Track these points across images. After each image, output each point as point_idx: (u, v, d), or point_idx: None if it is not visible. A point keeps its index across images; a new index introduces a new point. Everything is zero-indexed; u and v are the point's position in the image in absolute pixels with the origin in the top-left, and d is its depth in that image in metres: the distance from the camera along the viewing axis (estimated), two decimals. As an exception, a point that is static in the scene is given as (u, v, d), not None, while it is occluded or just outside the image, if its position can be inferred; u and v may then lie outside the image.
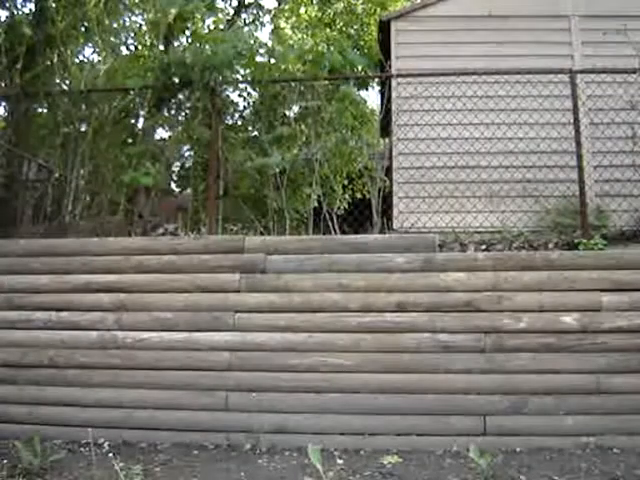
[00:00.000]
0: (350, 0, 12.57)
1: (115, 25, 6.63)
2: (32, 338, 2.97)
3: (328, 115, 5.75)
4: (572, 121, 5.35)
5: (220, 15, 9.90)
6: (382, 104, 6.58)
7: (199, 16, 6.75)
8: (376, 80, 7.87)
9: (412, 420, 2.71)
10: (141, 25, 7.40)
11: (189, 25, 6.95)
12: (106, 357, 2.91)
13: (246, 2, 12.00)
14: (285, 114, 6.37)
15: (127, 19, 7.25)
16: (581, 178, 5.29)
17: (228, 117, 6.61)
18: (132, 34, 7.49)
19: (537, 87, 5.97)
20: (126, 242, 3.37)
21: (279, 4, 12.79)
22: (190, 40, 6.61)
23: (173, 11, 6.16)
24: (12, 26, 5.65)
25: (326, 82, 5.78)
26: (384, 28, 6.89)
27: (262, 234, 5.41)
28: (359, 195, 6.39)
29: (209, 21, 8.20)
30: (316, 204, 5.72)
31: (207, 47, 5.53)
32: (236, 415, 2.79)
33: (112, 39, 6.58)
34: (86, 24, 6.15)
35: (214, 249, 3.07)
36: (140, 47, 7.57)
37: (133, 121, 6.63)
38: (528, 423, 2.65)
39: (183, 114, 6.53)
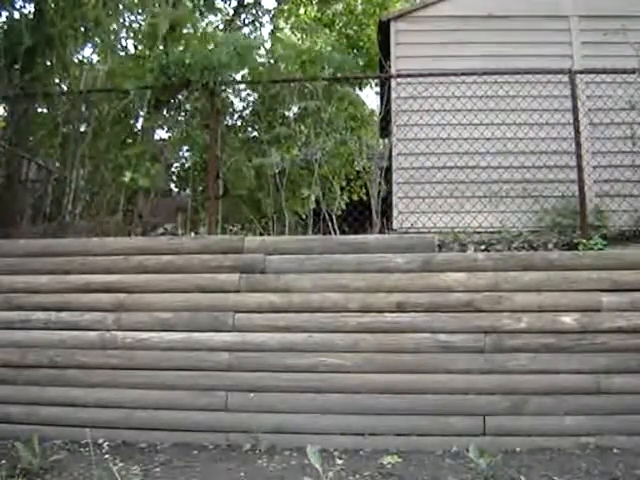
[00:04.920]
0: (350, 0, 12.57)
1: (114, 26, 6.63)
2: (32, 338, 2.97)
3: (327, 115, 5.75)
4: (572, 121, 5.35)
5: (218, 16, 9.91)
6: (381, 104, 6.58)
7: (192, 22, 6.75)
8: (375, 80, 7.87)
9: (412, 420, 2.71)
10: (140, 26, 7.40)
11: (185, 30, 6.93)
12: (106, 357, 2.91)
13: (245, 2, 12.00)
14: (284, 114, 6.37)
15: (126, 19, 7.24)
16: (580, 178, 5.29)
17: (227, 117, 6.61)
18: (131, 34, 7.48)
19: (537, 87, 5.97)
20: (126, 242, 3.37)
21: (278, 4, 12.78)
22: (186, 45, 6.61)
23: (166, 22, 6.15)
24: (11, 26, 5.65)
25: (325, 82, 5.78)
26: (384, 28, 6.89)
27: (261, 234, 5.41)
28: (358, 196, 6.38)
29: (207, 22, 8.20)
30: (315, 205, 5.72)
31: (205, 48, 5.53)
32: (236, 415, 2.78)
33: (111, 39, 6.58)
34: (85, 24, 6.14)
35: (214, 249, 3.07)
36: (139, 48, 7.57)
37: (132, 121, 6.63)
38: (528, 423, 2.65)
39: (182, 115, 6.53)
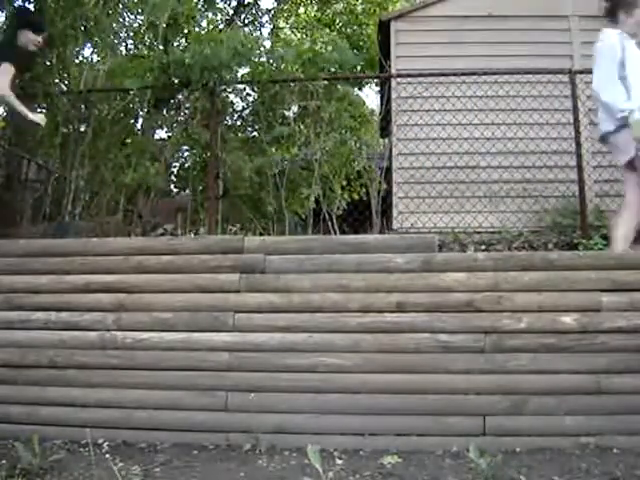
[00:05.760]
0: (350, 0, 12.56)
1: (114, 25, 6.63)
2: (32, 338, 2.97)
3: (327, 115, 5.74)
4: (572, 121, 5.36)
5: (217, 16, 9.91)
6: (382, 104, 6.58)
7: (195, 18, 6.75)
8: (375, 80, 7.87)
9: (412, 420, 2.71)
10: (140, 25, 7.40)
11: (186, 27, 6.93)
12: (106, 357, 2.91)
13: (245, 2, 12.00)
14: (284, 114, 6.36)
15: (126, 19, 7.24)
16: (581, 178, 5.30)
17: (227, 117, 6.60)
18: (131, 34, 7.49)
19: (537, 87, 5.97)
20: (126, 242, 3.37)
21: (278, 4, 12.77)
22: (188, 41, 6.62)
23: (166, 14, 6.15)
24: (11, 26, 5.64)
25: (325, 82, 5.78)
26: (384, 28, 6.89)
27: (261, 234, 5.42)
28: (358, 196, 6.38)
29: (207, 21, 8.20)
30: (315, 205, 5.72)
31: (206, 48, 5.53)
32: (236, 415, 2.79)
33: (111, 39, 6.58)
34: (85, 24, 6.14)
35: (214, 249, 3.07)
36: (139, 47, 7.57)
37: (132, 121, 6.63)
38: (528, 423, 2.65)
39: (182, 114, 6.53)
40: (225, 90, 6.13)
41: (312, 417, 2.75)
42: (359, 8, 12.54)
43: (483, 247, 5.12)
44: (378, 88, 9.10)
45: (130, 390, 2.88)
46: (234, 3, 12.11)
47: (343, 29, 12.39)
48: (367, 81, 9.65)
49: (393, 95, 6.13)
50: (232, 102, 6.58)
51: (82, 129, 5.94)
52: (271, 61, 6.09)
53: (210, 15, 8.91)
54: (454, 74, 5.84)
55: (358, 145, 5.88)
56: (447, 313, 2.81)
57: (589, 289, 2.79)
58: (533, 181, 6.03)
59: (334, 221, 5.65)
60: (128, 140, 6.38)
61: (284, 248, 3.07)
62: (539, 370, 2.70)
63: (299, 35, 12.77)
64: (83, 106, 5.97)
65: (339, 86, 5.94)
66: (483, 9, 6.46)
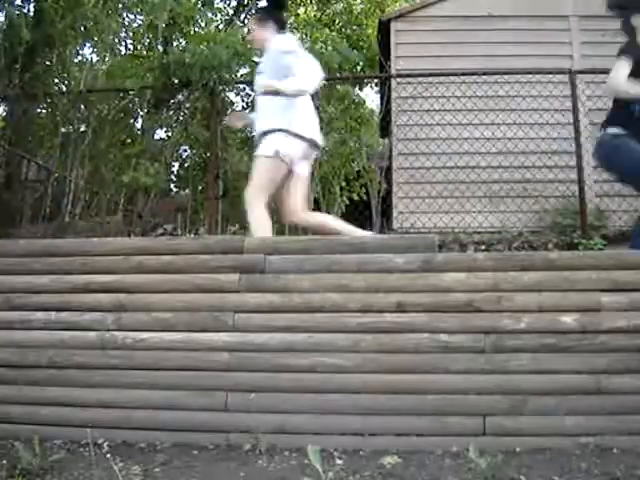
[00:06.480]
0: (349, 0, 12.57)
1: (114, 25, 6.64)
2: (32, 338, 2.97)
3: (327, 115, 5.75)
4: (572, 121, 5.37)
5: (217, 16, 9.91)
6: (382, 104, 6.59)
7: (195, 18, 6.76)
8: (375, 80, 7.87)
9: (412, 420, 2.71)
10: (140, 25, 7.41)
11: (185, 27, 6.94)
12: (105, 357, 2.90)
13: (245, 2, 12.00)
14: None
15: (126, 19, 7.25)
16: (581, 178, 5.32)
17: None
18: (131, 34, 7.49)
19: (537, 87, 5.98)
20: (126, 242, 3.37)
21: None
22: (187, 41, 6.63)
23: (166, 14, 6.16)
24: (11, 26, 5.67)
25: (325, 82, 5.78)
26: (384, 28, 6.90)
27: (261, 234, 5.40)
28: (358, 196, 6.39)
29: (206, 21, 8.21)
30: (315, 205, 5.73)
31: (205, 48, 5.54)
32: (236, 415, 2.78)
33: (111, 39, 6.59)
34: (85, 24, 6.15)
35: (214, 249, 3.07)
36: (139, 47, 7.58)
37: (132, 121, 6.64)
38: (528, 423, 2.64)
39: (182, 114, 6.54)
40: (225, 90, 6.13)
41: (312, 417, 2.75)
42: (358, 8, 12.55)
43: (483, 247, 5.13)
44: (378, 88, 9.10)
45: (130, 390, 2.88)
46: (234, 3, 12.12)
47: (343, 29, 12.39)
48: (367, 81, 9.65)
49: (393, 95, 6.14)
50: (232, 102, 6.59)
51: (82, 129, 5.95)
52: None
53: (209, 15, 8.90)
54: (454, 74, 5.85)
55: (358, 145, 5.88)
56: (447, 313, 2.81)
57: (589, 289, 2.79)
58: (533, 181, 6.03)
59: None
60: (128, 140, 6.39)
61: (284, 248, 3.06)
62: (539, 370, 2.70)
63: (299, 35, 12.75)
64: (83, 106, 5.97)
65: (339, 86, 5.95)
66: (483, 9, 6.47)
